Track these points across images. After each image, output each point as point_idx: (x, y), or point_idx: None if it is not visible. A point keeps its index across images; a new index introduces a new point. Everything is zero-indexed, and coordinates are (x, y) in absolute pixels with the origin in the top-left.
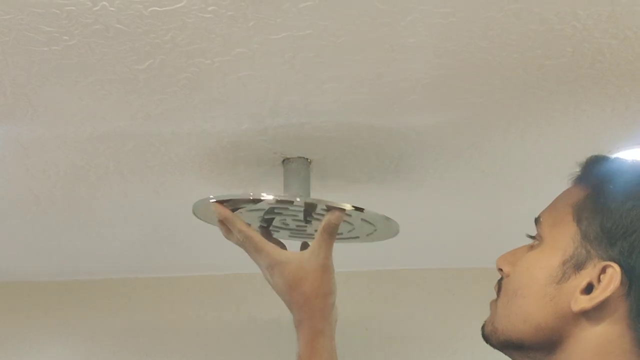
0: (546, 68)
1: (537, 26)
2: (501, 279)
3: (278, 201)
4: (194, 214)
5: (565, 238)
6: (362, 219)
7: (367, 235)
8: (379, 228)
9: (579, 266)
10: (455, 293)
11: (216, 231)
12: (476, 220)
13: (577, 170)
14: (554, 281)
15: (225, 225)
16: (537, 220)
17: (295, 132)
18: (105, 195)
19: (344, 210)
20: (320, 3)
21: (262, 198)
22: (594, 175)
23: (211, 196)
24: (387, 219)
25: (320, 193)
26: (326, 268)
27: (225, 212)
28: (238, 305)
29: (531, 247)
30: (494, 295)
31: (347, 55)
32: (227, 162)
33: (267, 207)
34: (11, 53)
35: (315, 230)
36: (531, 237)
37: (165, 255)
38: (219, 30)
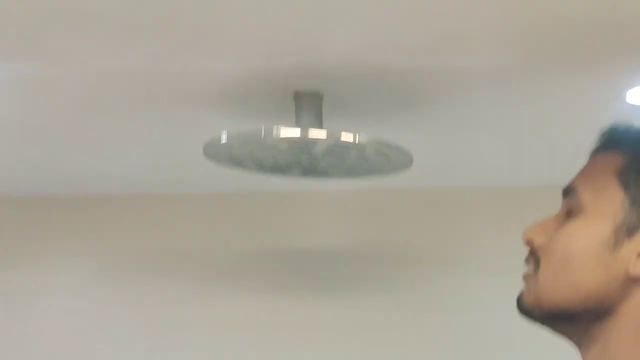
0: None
1: None
2: (532, 252)
3: (296, 139)
4: (205, 154)
5: (613, 205)
6: (376, 151)
7: (381, 167)
8: (393, 159)
9: (631, 231)
10: (468, 211)
11: None
12: (486, 146)
13: (599, 139)
14: (607, 248)
15: None
16: (568, 191)
17: (307, 67)
18: (115, 124)
19: None
20: None
21: (280, 135)
22: (628, 140)
23: (223, 134)
24: (403, 151)
25: (333, 127)
26: None
27: None
28: (251, 224)
29: (567, 216)
30: (504, 214)
31: (358, 3)
32: (238, 95)
33: (282, 145)
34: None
35: (330, 166)
36: (568, 203)
37: (176, 172)
38: None
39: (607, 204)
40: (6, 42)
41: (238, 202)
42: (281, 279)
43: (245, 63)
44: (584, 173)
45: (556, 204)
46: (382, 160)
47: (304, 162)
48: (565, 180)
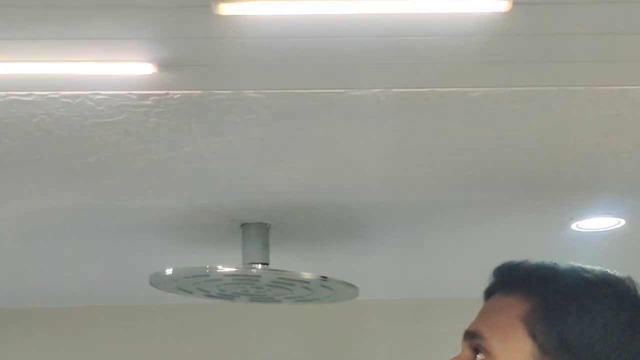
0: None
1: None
2: None
3: (240, 275)
4: (152, 285)
5: (522, 354)
6: (321, 286)
7: (327, 297)
8: (339, 292)
9: None
10: (422, 323)
11: None
12: (432, 264)
13: (496, 278)
14: None
15: None
16: (473, 335)
17: (253, 200)
18: (65, 250)
19: None
20: (265, 117)
21: (221, 271)
22: (530, 283)
23: (168, 269)
24: (349, 285)
25: (280, 257)
26: None
27: None
28: (207, 336)
29: None
30: (459, 326)
31: (296, 150)
32: (184, 226)
33: (227, 279)
34: None
35: (277, 294)
36: (474, 349)
37: (126, 288)
38: (163, 135)
39: (516, 353)
40: None
41: (193, 315)
42: None
43: (190, 200)
44: (488, 317)
45: None
46: (328, 292)
47: (250, 291)
48: None
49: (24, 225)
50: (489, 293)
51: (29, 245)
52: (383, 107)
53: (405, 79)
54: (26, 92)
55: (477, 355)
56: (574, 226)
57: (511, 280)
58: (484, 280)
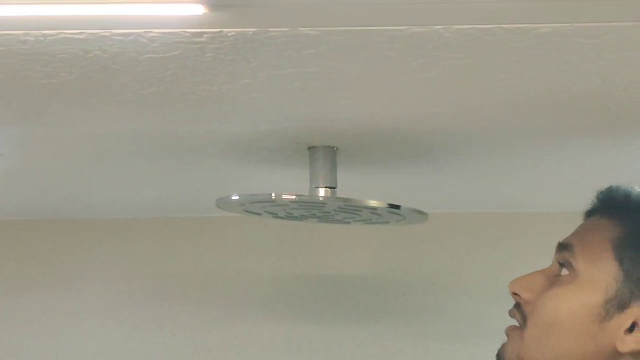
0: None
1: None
2: (518, 305)
3: (305, 202)
4: (218, 207)
5: (606, 276)
6: (390, 212)
7: (396, 222)
8: (409, 218)
9: (622, 306)
10: (495, 238)
11: None
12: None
13: (598, 200)
14: (597, 320)
15: None
16: (565, 247)
17: (319, 126)
18: (131, 169)
19: None
20: (324, 52)
21: (287, 198)
22: (628, 211)
23: (235, 196)
24: (419, 212)
25: (348, 180)
26: None
27: None
28: (281, 250)
29: (556, 277)
30: (538, 241)
31: (360, 84)
32: (250, 149)
33: (294, 205)
34: (8, 87)
35: (346, 218)
36: (562, 264)
37: (197, 200)
38: (221, 69)
39: (601, 274)
40: (22, 113)
41: (267, 228)
42: (309, 306)
43: (254, 126)
44: (582, 234)
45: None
46: (398, 218)
47: (318, 215)
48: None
49: (89, 148)
50: (590, 214)
51: (96, 164)
52: (446, 43)
53: (469, 16)
54: (78, 31)
55: (562, 271)
56: None
57: (610, 204)
58: (556, 195)
